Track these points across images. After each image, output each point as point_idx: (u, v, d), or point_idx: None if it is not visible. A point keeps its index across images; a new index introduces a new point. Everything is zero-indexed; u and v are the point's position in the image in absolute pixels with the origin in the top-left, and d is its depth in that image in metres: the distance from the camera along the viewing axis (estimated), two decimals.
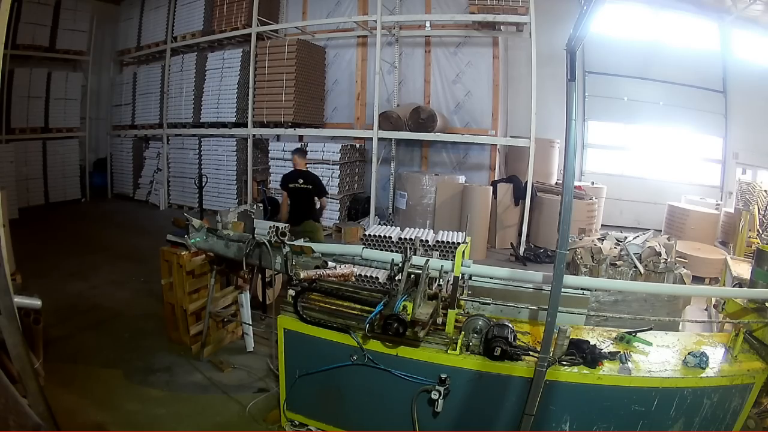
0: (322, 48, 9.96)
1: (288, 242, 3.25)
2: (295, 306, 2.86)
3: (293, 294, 2.92)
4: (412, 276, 2.75)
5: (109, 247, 7.42)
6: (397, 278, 2.81)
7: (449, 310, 2.64)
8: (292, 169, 5.72)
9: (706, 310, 5.49)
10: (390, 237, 5.59)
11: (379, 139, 8.37)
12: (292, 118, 9.08)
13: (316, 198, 5.61)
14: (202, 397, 3.59)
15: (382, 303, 2.63)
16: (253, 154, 9.67)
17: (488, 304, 2.92)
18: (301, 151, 5.86)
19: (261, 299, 4.69)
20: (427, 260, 2.78)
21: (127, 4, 12.26)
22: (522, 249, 7.70)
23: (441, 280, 2.93)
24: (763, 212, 7.45)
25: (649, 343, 2.67)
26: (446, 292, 2.97)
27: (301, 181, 5.50)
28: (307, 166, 5.85)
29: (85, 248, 7.26)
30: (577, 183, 9.17)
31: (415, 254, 2.94)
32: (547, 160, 9.40)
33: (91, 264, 6.40)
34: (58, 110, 10.80)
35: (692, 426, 2.49)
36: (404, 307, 2.49)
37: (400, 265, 2.79)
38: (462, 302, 2.86)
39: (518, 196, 8.12)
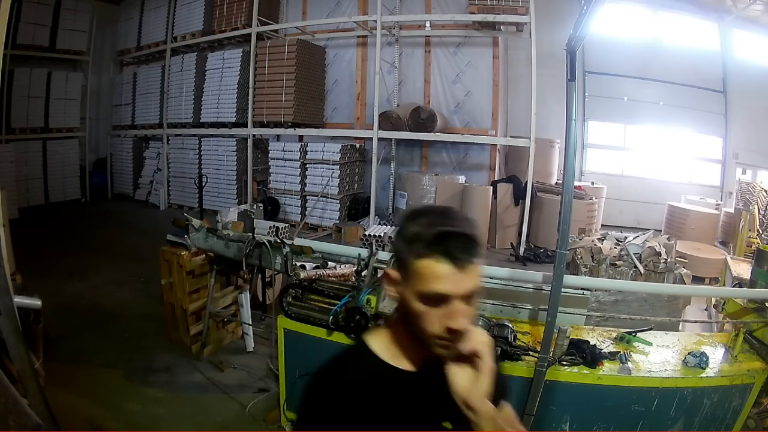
0: (322, 48, 9.96)
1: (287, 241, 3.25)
2: (280, 303, 2.90)
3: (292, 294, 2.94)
4: (378, 271, 2.79)
5: (109, 247, 7.41)
6: (363, 273, 2.84)
7: None
8: None
9: (706, 310, 5.49)
10: (390, 237, 5.60)
11: (379, 139, 8.37)
12: (292, 118, 9.09)
13: None
14: (202, 397, 3.58)
15: (347, 296, 2.68)
16: (253, 154, 9.67)
17: (488, 304, 2.92)
18: None
19: (261, 299, 4.69)
20: (392, 255, 2.77)
21: (127, 4, 12.25)
22: (522, 249, 7.70)
23: None
24: (763, 212, 7.45)
25: (649, 343, 2.67)
26: None
27: None
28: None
29: (85, 248, 7.25)
30: (577, 183, 9.16)
31: (382, 250, 2.98)
32: (547, 160, 9.39)
33: (91, 264, 6.39)
34: (58, 110, 10.79)
35: (692, 426, 2.49)
36: (368, 301, 2.51)
37: (366, 259, 2.83)
38: None
39: (518, 196, 8.11)
